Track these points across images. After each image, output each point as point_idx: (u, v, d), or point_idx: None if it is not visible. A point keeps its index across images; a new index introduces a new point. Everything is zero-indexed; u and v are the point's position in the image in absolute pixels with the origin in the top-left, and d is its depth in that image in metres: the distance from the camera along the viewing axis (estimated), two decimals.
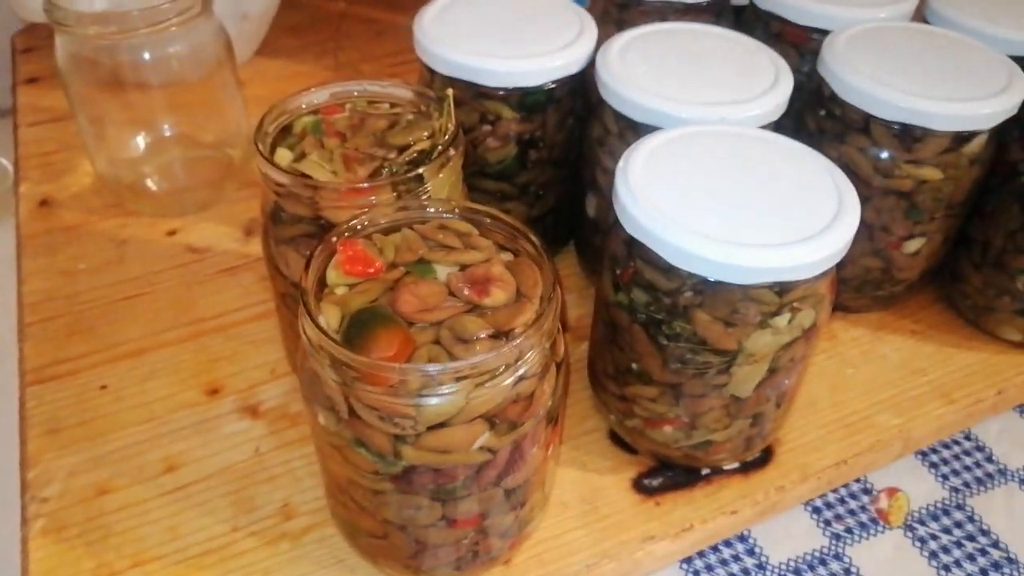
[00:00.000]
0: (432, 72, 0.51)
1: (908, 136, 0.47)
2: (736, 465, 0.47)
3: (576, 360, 0.53)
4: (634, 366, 0.42)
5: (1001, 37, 0.52)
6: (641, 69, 0.48)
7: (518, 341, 0.32)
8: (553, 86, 0.50)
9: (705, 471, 0.47)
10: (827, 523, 0.50)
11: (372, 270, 0.35)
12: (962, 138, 0.47)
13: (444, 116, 0.43)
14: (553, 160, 0.53)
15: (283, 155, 0.43)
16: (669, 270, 0.38)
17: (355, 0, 0.92)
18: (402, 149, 0.43)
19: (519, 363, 0.32)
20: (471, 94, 0.50)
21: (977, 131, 0.46)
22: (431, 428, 0.33)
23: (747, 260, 0.36)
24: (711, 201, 0.39)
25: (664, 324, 0.40)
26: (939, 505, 0.51)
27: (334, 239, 0.36)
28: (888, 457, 0.50)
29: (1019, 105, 0.46)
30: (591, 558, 0.43)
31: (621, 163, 0.41)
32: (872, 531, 0.50)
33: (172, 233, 0.62)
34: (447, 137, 0.42)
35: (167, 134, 0.63)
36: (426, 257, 0.36)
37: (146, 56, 0.56)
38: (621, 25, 0.60)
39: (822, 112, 0.50)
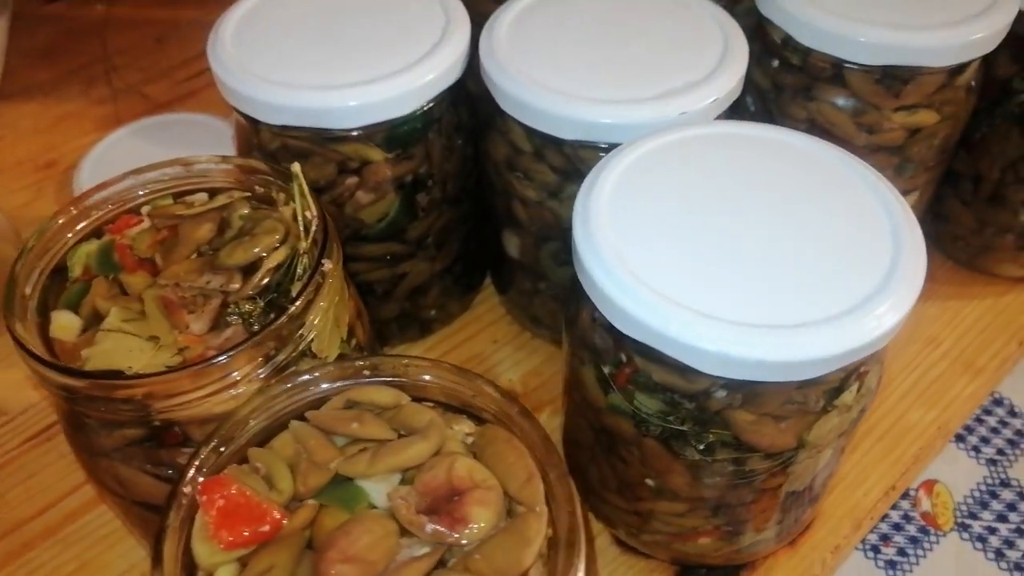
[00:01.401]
0: (254, 122, 0.35)
1: (894, 79, 0.36)
2: None
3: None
4: (650, 482, 0.31)
5: None
6: (547, 59, 0.35)
7: None
8: (430, 106, 0.35)
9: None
10: (876, 550, 0.42)
11: (267, 527, 0.22)
12: (957, 69, 0.37)
13: (298, 202, 0.29)
14: (448, 198, 0.39)
15: (64, 323, 0.28)
16: (685, 370, 0.26)
17: (116, 0, 0.72)
18: (247, 270, 0.28)
19: None
20: (317, 141, 0.35)
21: (974, 58, 0.36)
22: None
23: (807, 350, 0.25)
24: (728, 261, 0.27)
25: (691, 436, 0.28)
26: (983, 487, 0.44)
27: (186, 489, 0.22)
28: (931, 459, 0.42)
29: (1014, 16, 0.37)
30: None
31: (578, 226, 0.28)
32: (925, 544, 0.42)
33: None
34: (311, 237, 0.28)
35: None
36: (344, 471, 0.23)
37: None
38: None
39: (775, 63, 0.39)
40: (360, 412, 0.24)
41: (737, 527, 0.32)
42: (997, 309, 0.46)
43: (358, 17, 0.37)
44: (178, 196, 0.31)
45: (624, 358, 0.29)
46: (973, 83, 0.38)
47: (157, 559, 0.20)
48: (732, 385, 0.27)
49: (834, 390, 0.28)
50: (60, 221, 0.29)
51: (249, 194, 0.31)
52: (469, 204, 0.41)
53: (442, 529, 0.21)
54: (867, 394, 0.29)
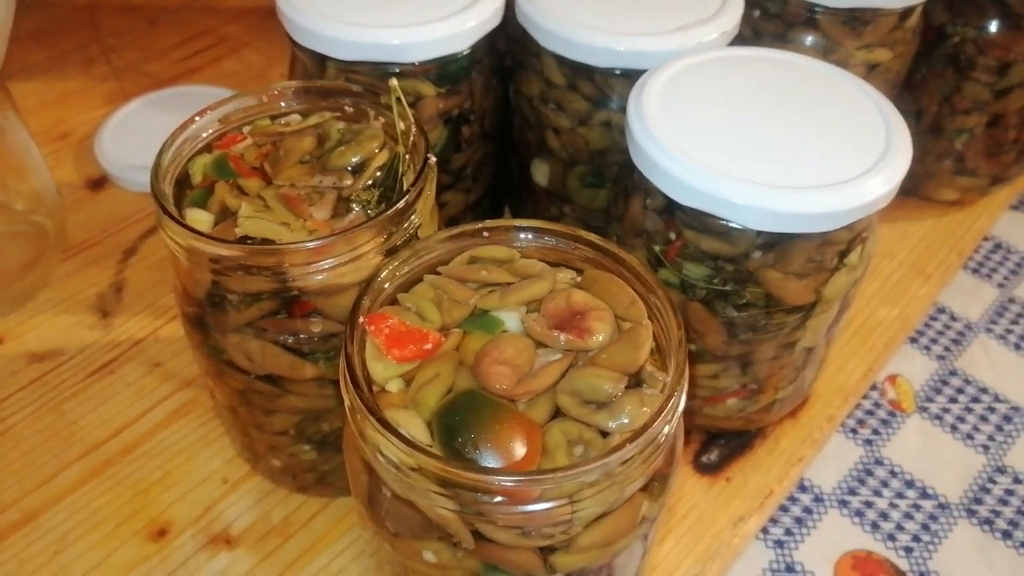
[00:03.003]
0: (322, 59, 0.40)
1: (857, 21, 0.44)
2: None
3: None
4: (691, 347, 0.37)
5: None
6: (576, 3, 0.40)
7: (667, 379, 0.25)
8: (474, 47, 0.41)
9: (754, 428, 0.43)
10: (854, 431, 0.49)
11: (429, 345, 0.26)
12: (905, 13, 0.44)
13: (395, 114, 0.33)
14: (486, 133, 0.44)
15: (199, 218, 0.32)
16: (729, 234, 0.33)
17: None
18: (355, 171, 0.33)
19: (675, 407, 0.25)
20: (377, 75, 0.40)
21: (919, 2, 0.44)
22: (588, 524, 0.25)
23: (826, 204, 0.31)
24: (756, 143, 0.33)
25: (731, 295, 0.34)
26: (936, 377, 0.52)
27: (360, 319, 0.26)
28: (896, 348, 0.49)
29: None
30: (694, 566, 0.38)
31: (634, 122, 0.34)
32: (894, 425, 0.49)
33: None
34: (412, 141, 0.33)
35: None
36: (482, 306, 0.28)
37: None
38: None
39: (756, 13, 0.46)
40: (484, 264, 0.29)
41: (760, 384, 0.38)
42: (939, 228, 0.54)
43: None
44: (273, 117, 0.36)
45: (673, 236, 0.34)
46: (917, 26, 0.46)
47: (350, 373, 0.25)
48: (766, 245, 0.33)
49: (843, 251, 0.34)
50: (178, 139, 0.33)
51: (339, 114, 0.36)
52: (498, 141, 0.46)
53: (573, 338, 0.26)
54: (867, 257, 0.35)
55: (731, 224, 0.32)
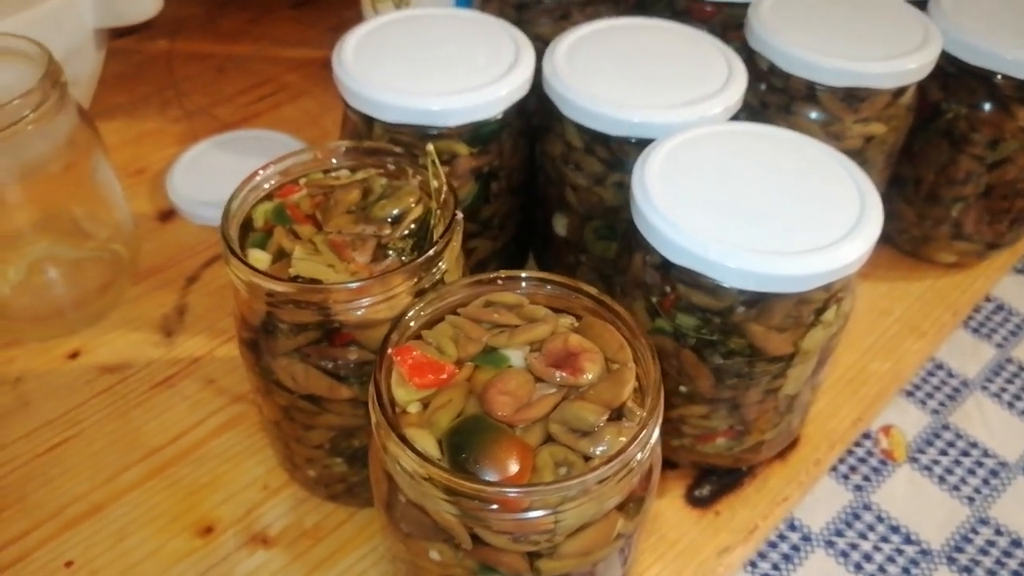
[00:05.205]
0: (369, 120, 0.45)
1: (853, 98, 0.48)
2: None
3: None
4: (682, 388, 0.41)
5: None
6: (597, 77, 0.46)
7: (643, 414, 0.29)
8: (505, 113, 0.46)
9: (746, 467, 0.47)
10: (846, 477, 0.52)
11: (444, 376, 0.31)
12: (900, 91, 0.49)
13: (430, 174, 0.39)
14: (513, 188, 0.50)
15: (259, 258, 0.37)
16: (716, 290, 0.37)
17: (176, 35, 0.82)
18: (393, 221, 0.38)
19: (646, 438, 0.30)
20: (417, 136, 0.45)
21: (912, 82, 0.49)
22: (569, 535, 0.29)
23: (802, 268, 0.35)
24: (742, 211, 0.38)
25: (718, 344, 0.38)
26: (928, 430, 0.55)
27: (389, 351, 0.31)
28: (888, 401, 0.53)
29: (939, 53, 0.49)
30: None
31: (636, 188, 0.39)
32: (885, 473, 0.52)
33: (74, 355, 0.53)
34: (443, 199, 0.38)
35: (39, 240, 0.53)
36: (491, 344, 0.33)
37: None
38: (521, 26, 0.57)
39: (763, 86, 0.50)
40: (499, 308, 0.34)
41: (746, 426, 0.42)
42: (936, 288, 0.58)
43: (447, 45, 0.48)
44: (326, 172, 0.41)
45: (668, 289, 0.39)
46: (911, 103, 0.50)
47: (378, 395, 0.30)
48: (749, 302, 0.37)
49: (820, 309, 0.38)
50: (245, 189, 0.39)
51: (382, 170, 0.41)
52: (524, 195, 0.52)
53: (567, 375, 0.31)
54: (843, 314, 0.39)
55: (718, 282, 0.36)
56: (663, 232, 0.37)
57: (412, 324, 0.33)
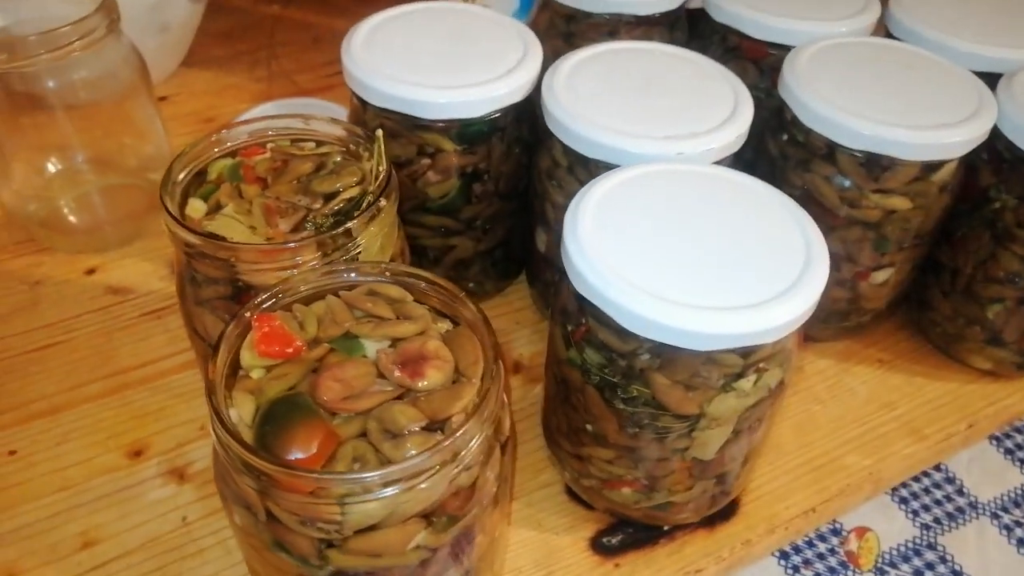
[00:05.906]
0: (364, 103, 0.46)
1: (875, 165, 0.44)
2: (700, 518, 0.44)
3: (530, 404, 0.50)
4: (588, 427, 0.39)
5: (966, 51, 0.50)
6: (590, 98, 0.44)
7: (457, 435, 0.28)
8: (496, 115, 0.46)
9: (667, 527, 0.44)
10: (795, 569, 0.48)
11: (291, 350, 0.32)
12: (931, 166, 0.44)
13: (375, 159, 0.39)
14: (500, 192, 0.49)
15: (196, 207, 0.39)
16: (623, 332, 0.35)
17: (290, 2, 0.87)
18: (328, 197, 0.39)
19: (458, 458, 0.29)
20: (407, 125, 0.46)
21: (947, 159, 0.44)
22: (359, 532, 0.29)
23: (708, 326, 0.33)
24: (668, 255, 0.35)
25: (620, 388, 0.36)
26: (910, 545, 0.49)
27: (247, 314, 0.32)
28: (857, 500, 0.48)
29: (990, 130, 0.44)
30: None
31: (569, 214, 0.37)
32: None
33: (91, 272, 0.57)
34: (378, 183, 0.38)
35: (80, 162, 0.58)
36: (353, 331, 0.32)
37: (49, 84, 0.51)
38: (568, 39, 0.57)
39: (784, 137, 0.47)
40: (376, 299, 0.34)
41: (652, 482, 0.40)
42: (957, 393, 0.52)
43: (452, 39, 0.48)
44: (294, 140, 0.43)
45: (583, 320, 0.37)
46: (949, 183, 0.45)
47: (215, 351, 0.31)
48: (654, 351, 0.35)
49: (735, 375, 0.35)
50: (211, 139, 0.41)
51: (345, 149, 0.42)
52: (517, 203, 0.51)
53: (403, 376, 0.30)
54: (764, 389, 0.36)
55: (623, 326, 0.34)
56: (576, 264, 0.35)
57: (283, 294, 0.33)
